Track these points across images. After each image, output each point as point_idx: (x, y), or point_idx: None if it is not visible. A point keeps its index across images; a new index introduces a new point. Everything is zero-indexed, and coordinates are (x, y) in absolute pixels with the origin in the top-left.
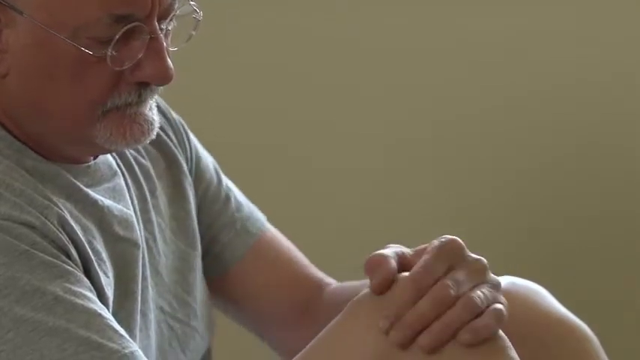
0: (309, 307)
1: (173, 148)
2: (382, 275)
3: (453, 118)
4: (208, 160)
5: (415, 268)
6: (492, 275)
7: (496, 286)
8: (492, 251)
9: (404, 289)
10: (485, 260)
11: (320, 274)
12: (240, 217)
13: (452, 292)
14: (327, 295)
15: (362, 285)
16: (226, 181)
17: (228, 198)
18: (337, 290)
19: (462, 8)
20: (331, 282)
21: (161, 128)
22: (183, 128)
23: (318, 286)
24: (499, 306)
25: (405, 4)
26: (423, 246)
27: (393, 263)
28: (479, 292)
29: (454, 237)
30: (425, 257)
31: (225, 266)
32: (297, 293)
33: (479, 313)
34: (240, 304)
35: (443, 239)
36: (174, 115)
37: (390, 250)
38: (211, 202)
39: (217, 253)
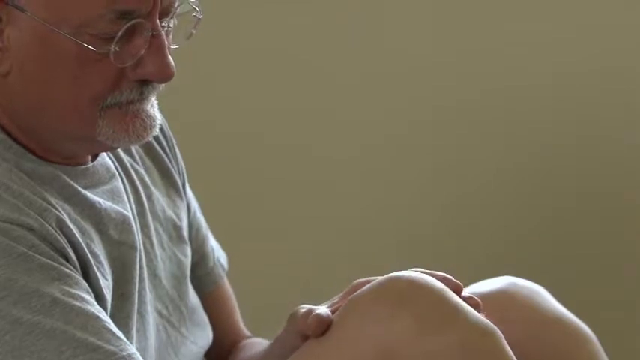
0: (231, 353)
1: (167, 161)
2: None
3: (454, 114)
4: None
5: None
6: None
7: None
8: (492, 251)
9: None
10: None
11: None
12: (215, 247)
13: None
14: (240, 346)
15: (268, 343)
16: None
17: (207, 229)
18: (245, 345)
19: (461, 1)
20: (248, 335)
21: (157, 140)
22: (174, 145)
23: (242, 337)
24: None
25: None
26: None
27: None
28: None
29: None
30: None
31: (205, 289)
32: (233, 338)
33: None
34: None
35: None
36: (169, 131)
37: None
38: (196, 228)
39: (200, 277)
